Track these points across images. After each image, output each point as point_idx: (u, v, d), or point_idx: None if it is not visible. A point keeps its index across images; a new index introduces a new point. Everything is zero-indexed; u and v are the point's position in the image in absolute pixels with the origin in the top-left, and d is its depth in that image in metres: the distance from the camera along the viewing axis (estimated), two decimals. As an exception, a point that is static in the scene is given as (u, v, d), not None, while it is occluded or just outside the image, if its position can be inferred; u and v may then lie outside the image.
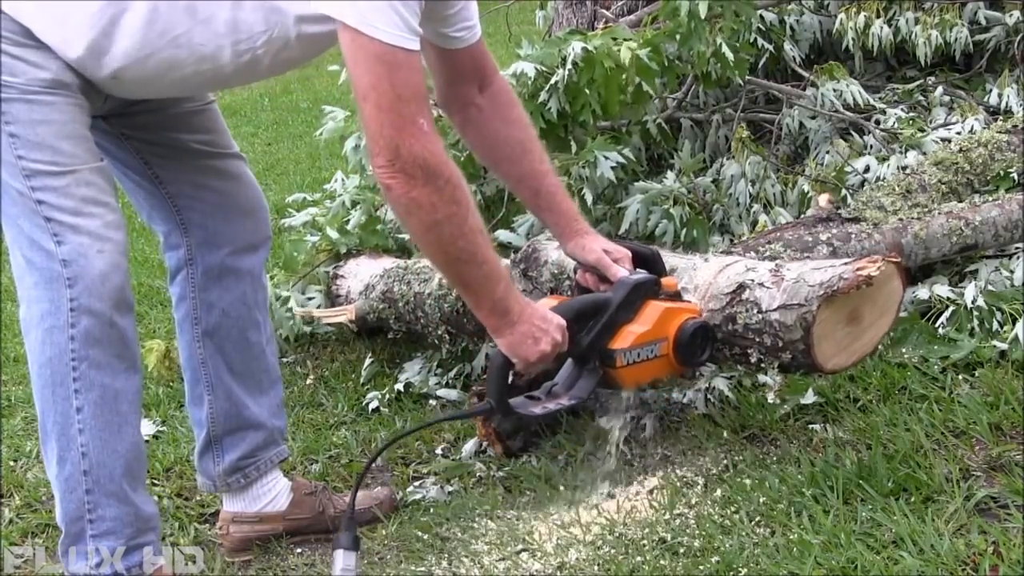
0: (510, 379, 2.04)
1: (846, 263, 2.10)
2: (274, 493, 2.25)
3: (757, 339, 2.13)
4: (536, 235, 3.13)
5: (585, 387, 2.11)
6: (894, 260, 2.10)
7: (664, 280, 2.17)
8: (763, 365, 2.17)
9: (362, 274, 3.08)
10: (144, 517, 1.92)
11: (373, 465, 2.58)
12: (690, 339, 2.12)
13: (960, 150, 3.02)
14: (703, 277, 2.23)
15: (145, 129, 2.05)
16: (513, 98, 2.18)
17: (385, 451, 2.21)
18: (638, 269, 2.17)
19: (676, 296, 2.18)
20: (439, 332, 2.81)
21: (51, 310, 1.82)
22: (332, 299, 3.17)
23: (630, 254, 2.18)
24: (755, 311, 2.13)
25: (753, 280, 2.16)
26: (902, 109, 3.46)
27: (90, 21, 1.82)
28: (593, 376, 2.11)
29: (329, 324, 3.06)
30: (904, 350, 2.56)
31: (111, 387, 1.86)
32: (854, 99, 3.40)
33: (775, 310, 2.10)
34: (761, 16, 3.51)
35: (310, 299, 3.21)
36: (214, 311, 2.15)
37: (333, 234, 3.30)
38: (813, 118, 3.43)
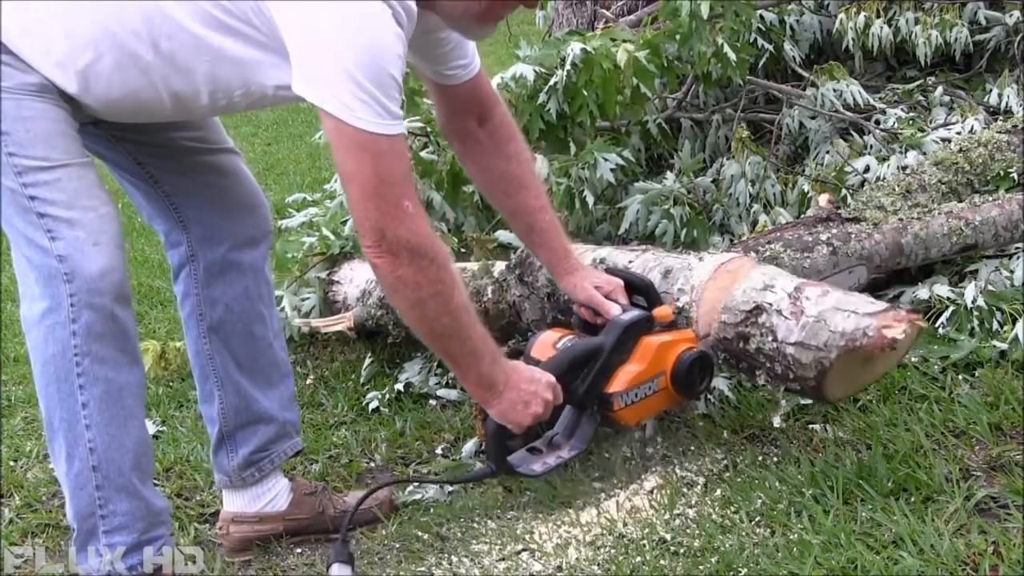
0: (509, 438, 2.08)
1: (871, 313, 2.02)
2: (274, 493, 2.25)
3: (768, 364, 2.11)
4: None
5: (585, 435, 2.15)
6: (919, 322, 2.05)
7: (657, 311, 2.17)
8: (767, 384, 2.16)
9: (357, 279, 3.08)
10: (155, 511, 1.93)
11: (372, 465, 2.59)
12: (687, 371, 2.14)
13: (960, 150, 3.02)
14: (699, 277, 2.23)
15: (136, 130, 2.06)
16: (513, 132, 2.20)
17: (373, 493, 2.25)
18: (635, 298, 2.19)
19: (671, 326, 2.19)
20: None
21: (52, 307, 1.82)
22: (329, 304, 3.18)
23: (622, 284, 2.20)
24: (770, 338, 2.10)
25: (771, 305, 2.12)
26: (902, 109, 3.46)
27: (70, 58, 1.83)
28: (592, 422, 2.14)
29: (329, 332, 3.06)
30: (904, 350, 2.56)
31: (115, 381, 1.86)
32: (854, 99, 3.40)
33: (792, 345, 2.07)
34: (761, 16, 3.52)
35: (304, 299, 3.21)
36: (218, 307, 2.15)
37: (330, 235, 3.31)
38: (813, 118, 3.43)
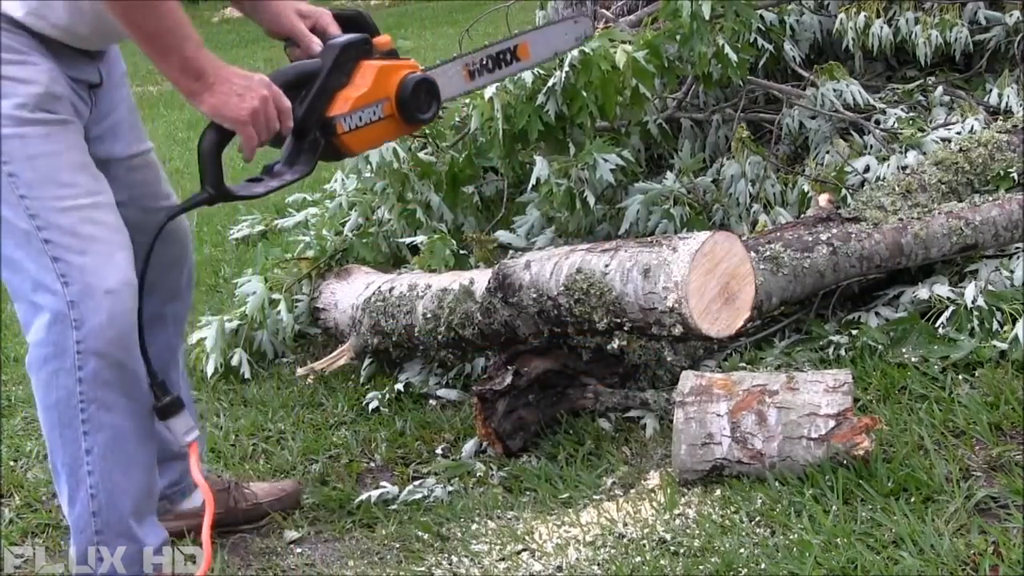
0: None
1: (828, 434, 2.08)
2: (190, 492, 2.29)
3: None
4: (535, 236, 3.13)
5: (308, 160, 2.02)
6: (878, 424, 2.12)
7: (377, 40, 2.08)
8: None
9: (342, 304, 3.08)
10: (150, 551, 1.96)
11: (372, 465, 2.59)
12: (412, 94, 2.05)
13: (960, 150, 3.02)
14: (679, 272, 2.20)
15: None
16: None
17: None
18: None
19: (392, 54, 2.10)
20: (441, 355, 2.86)
21: (56, 352, 1.82)
22: (315, 317, 3.20)
23: (331, 14, 2.09)
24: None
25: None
26: (902, 109, 3.45)
27: None
28: (314, 148, 2.02)
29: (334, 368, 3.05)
30: (904, 350, 2.55)
31: (122, 427, 1.87)
32: (854, 99, 3.40)
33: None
34: (761, 16, 3.51)
35: (298, 301, 3.23)
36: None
37: (329, 236, 3.32)
38: (813, 118, 3.43)
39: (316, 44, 2.04)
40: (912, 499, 1.96)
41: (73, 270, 1.81)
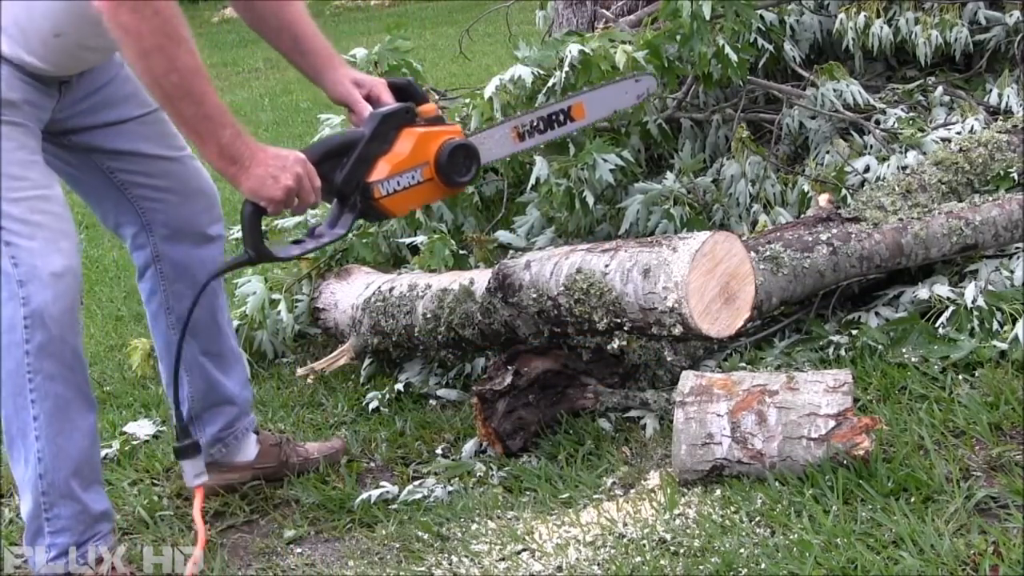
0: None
1: (829, 434, 2.07)
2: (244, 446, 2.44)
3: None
4: (535, 236, 3.13)
5: (346, 222, 2.15)
6: (879, 424, 2.12)
7: (422, 107, 2.21)
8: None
9: (342, 304, 3.08)
10: (94, 514, 2.06)
11: (373, 465, 2.59)
12: (449, 159, 2.18)
13: (960, 150, 3.01)
14: (679, 272, 2.20)
15: (105, 141, 2.17)
16: None
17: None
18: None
19: (436, 121, 2.22)
20: (441, 355, 2.86)
21: (8, 327, 1.96)
22: (315, 317, 3.21)
23: (384, 83, 2.25)
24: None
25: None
26: (902, 109, 3.45)
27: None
28: (353, 211, 2.15)
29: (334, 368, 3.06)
30: (904, 350, 2.56)
31: (63, 396, 2.00)
32: (854, 99, 3.40)
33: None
34: (761, 16, 3.51)
35: (298, 302, 3.23)
36: (184, 300, 2.26)
37: None
38: (813, 118, 3.43)
39: (367, 112, 2.19)
40: (912, 499, 1.96)
41: (22, 253, 1.95)
